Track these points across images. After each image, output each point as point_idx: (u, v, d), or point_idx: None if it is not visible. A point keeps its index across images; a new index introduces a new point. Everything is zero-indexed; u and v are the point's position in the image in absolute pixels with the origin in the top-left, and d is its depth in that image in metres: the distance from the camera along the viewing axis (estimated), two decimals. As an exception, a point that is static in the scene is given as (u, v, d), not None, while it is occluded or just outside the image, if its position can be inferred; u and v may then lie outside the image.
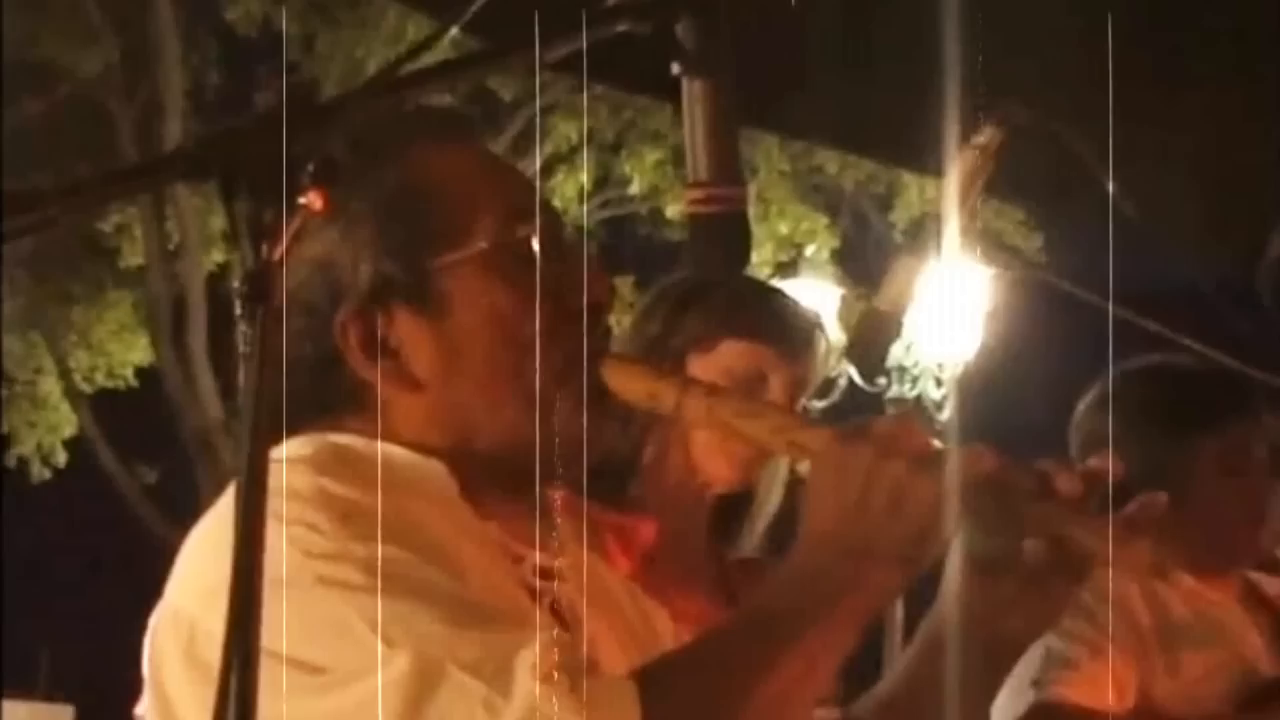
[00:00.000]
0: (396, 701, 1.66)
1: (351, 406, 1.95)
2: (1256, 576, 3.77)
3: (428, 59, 1.73)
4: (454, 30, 1.90)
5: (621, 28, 1.74)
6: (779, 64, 3.24)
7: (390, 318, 1.93)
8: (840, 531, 1.82)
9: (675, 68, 1.85)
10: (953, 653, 2.01)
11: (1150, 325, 2.73)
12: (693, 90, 1.88)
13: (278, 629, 1.65)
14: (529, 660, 1.68)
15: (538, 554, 1.96)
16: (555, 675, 1.68)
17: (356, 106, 1.67)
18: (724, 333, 3.17)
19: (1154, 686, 3.48)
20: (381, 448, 1.91)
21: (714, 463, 3.18)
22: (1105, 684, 3.42)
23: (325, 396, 1.95)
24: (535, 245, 1.94)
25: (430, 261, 1.93)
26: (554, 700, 1.67)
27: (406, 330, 1.94)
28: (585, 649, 1.86)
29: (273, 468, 1.79)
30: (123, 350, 19.91)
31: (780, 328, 3.20)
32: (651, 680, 1.74)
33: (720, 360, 3.15)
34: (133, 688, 1.91)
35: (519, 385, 1.92)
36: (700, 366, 3.12)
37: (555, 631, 1.77)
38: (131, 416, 19.45)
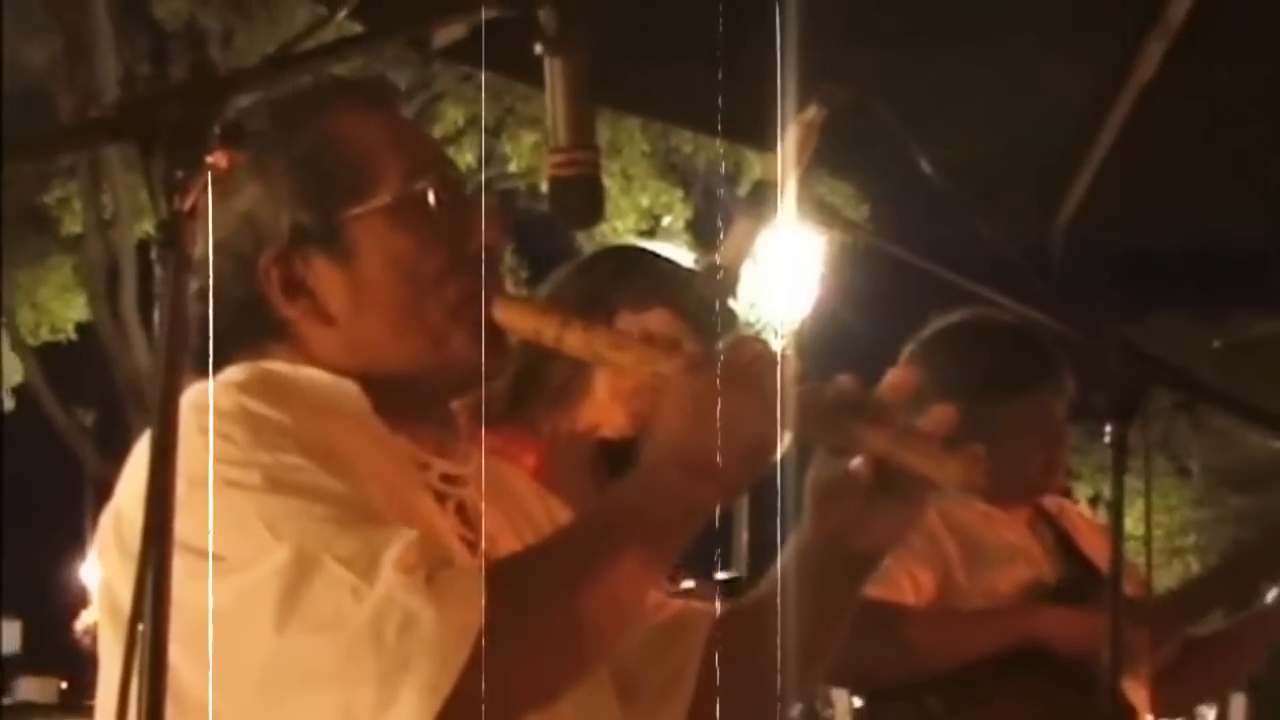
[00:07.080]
0: (275, 588, 1.67)
1: (275, 339, 1.97)
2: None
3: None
4: (341, 16, 1.90)
5: (490, 14, 1.76)
6: (636, 51, 3.24)
7: (307, 262, 1.95)
8: (678, 448, 1.83)
9: (538, 48, 1.87)
10: (812, 568, 2.02)
11: (965, 284, 2.73)
12: (553, 68, 1.89)
13: (193, 525, 1.68)
14: (395, 553, 1.69)
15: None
16: (416, 568, 1.68)
17: (253, 80, 1.70)
18: (659, 301, 3.16)
19: (951, 590, 3.50)
20: (304, 371, 1.92)
21: (611, 409, 3.19)
22: (904, 585, 3.43)
23: (252, 331, 1.96)
24: (431, 197, 1.96)
25: (341, 213, 1.95)
26: (410, 589, 1.67)
27: (321, 273, 1.95)
28: (484, 545, 1.91)
29: (204, 388, 1.81)
30: (63, 308, 19.83)
31: (707, 313, 3.19)
32: (500, 572, 1.74)
33: (648, 322, 3.13)
34: (73, 606, 1.91)
35: (419, 320, 1.94)
36: (627, 322, 3.11)
37: (419, 532, 1.74)
38: (71, 366, 19.35)
